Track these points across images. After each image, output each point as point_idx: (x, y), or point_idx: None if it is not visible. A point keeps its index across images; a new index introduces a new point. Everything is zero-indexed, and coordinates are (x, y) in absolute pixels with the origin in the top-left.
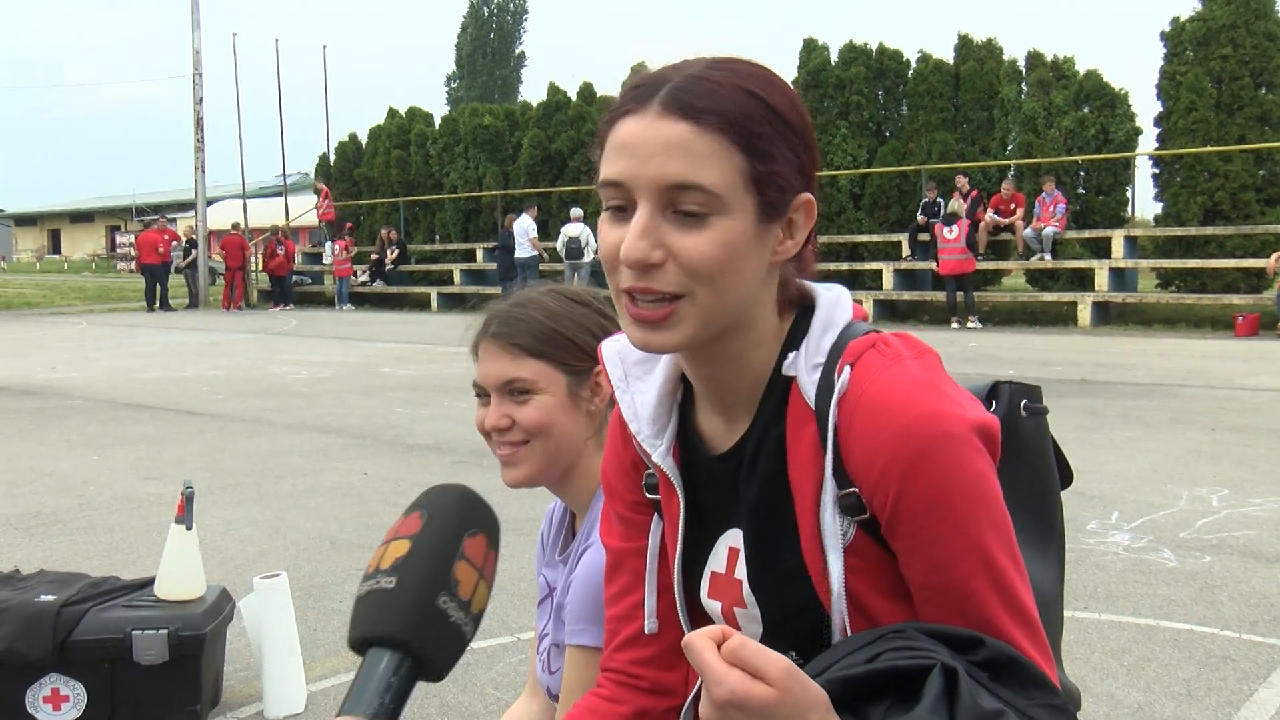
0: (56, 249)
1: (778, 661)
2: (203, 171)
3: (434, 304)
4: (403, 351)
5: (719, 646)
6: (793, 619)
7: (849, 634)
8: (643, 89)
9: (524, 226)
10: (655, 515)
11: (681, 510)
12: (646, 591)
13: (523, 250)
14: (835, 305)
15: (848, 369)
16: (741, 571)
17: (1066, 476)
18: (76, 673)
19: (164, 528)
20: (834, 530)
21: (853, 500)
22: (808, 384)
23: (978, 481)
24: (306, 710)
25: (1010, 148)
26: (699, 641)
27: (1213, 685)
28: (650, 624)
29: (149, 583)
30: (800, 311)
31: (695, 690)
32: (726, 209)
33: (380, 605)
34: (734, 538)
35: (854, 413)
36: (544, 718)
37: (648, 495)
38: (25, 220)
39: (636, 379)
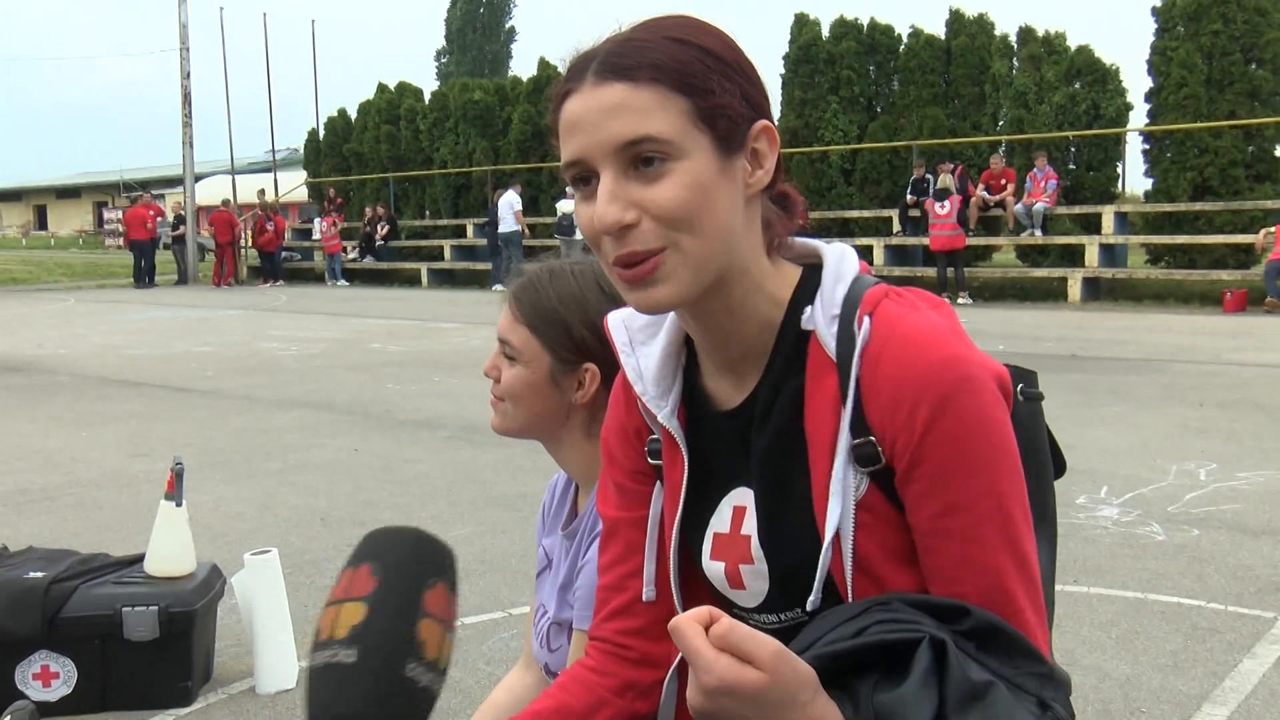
0: (43, 225)
1: (766, 644)
2: (191, 147)
3: (424, 280)
4: (393, 327)
5: (706, 630)
6: (799, 573)
7: (849, 588)
8: (576, 67)
9: (508, 201)
10: (656, 483)
11: (685, 471)
12: (646, 559)
13: (506, 225)
14: (842, 258)
15: (867, 318)
16: (749, 528)
17: (1060, 466)
18: (66, 650)
19: (153, 505)
20: (847, 480)
21: (869, 449)
22: (827, 335)
23: (998, 427)
24: (298, 686)
25: (1001, 123)
26: (686, 627)
27: (1199, 657)
28: (649, 591)
29: (139, 559)
30: (807, 267)
31: (679, 660)
32: (683, 152)
33: (342, 681)
34: (739, 496)
35: (879, 358)
36: (538, 690)
37: (650, 462)
38: (10, 195)
39: (641, 343)
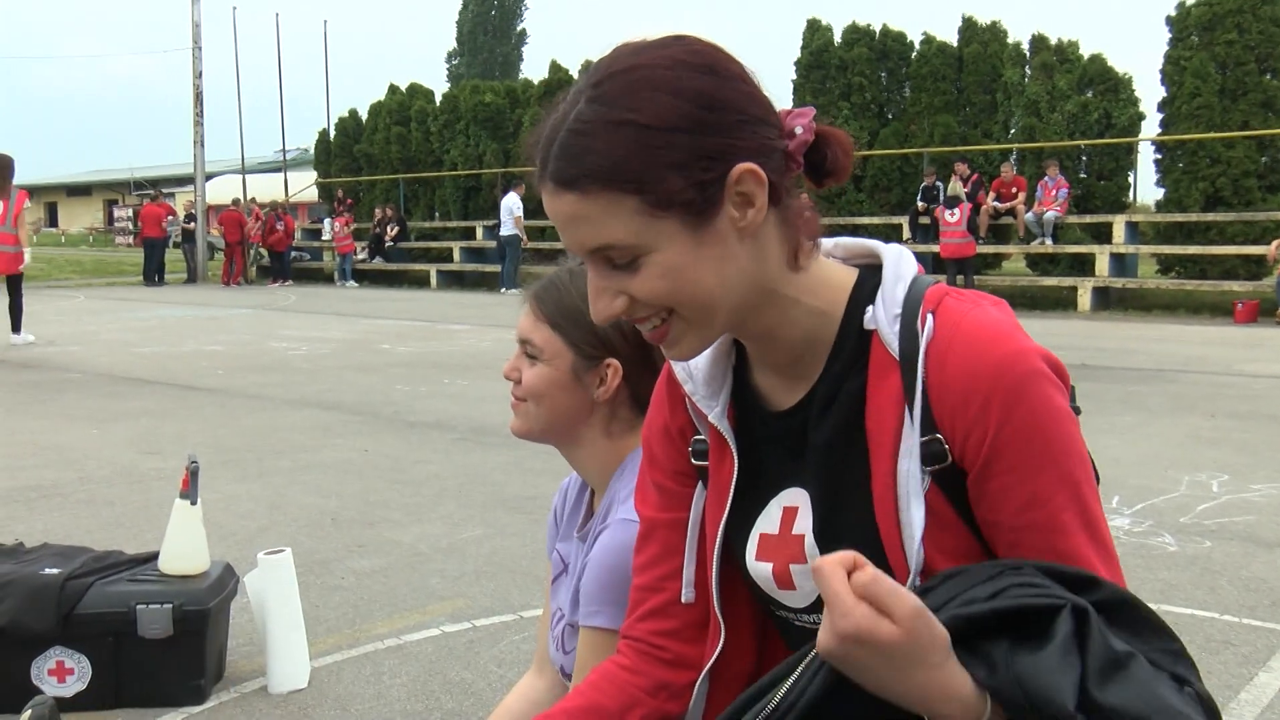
0: (54, 222)
1: (907, 600)
2: (202, 146)
3: (433, 281)
4: (402, 329)
5: (849, 575)
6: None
7: (913, 588)
8: (535, 158)
9: (509, 205)
10: (699, 484)
11: (735, 471)
12: (686, 561)
13: (506, 228)
14: (900, 258)
15: (931, 316)
16: (802, 527)
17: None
18: (81, 646)
19: (165, 502)
20: (916, 478)
21: (936, 448)
22: (889, 334)
23: (1066, 417)
24: (310, 686)
25: (1013, 131)
26: (830, 570)
27: (1213, 669)
28: (688, 593)
29: (153, 557)
30: (865, 268)
31: (712, 661)
32: (648, 246)
33: None
34: (790, 497)
35: (945, 355)
36: (552, 694)
37: (695, 462)
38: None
39: None
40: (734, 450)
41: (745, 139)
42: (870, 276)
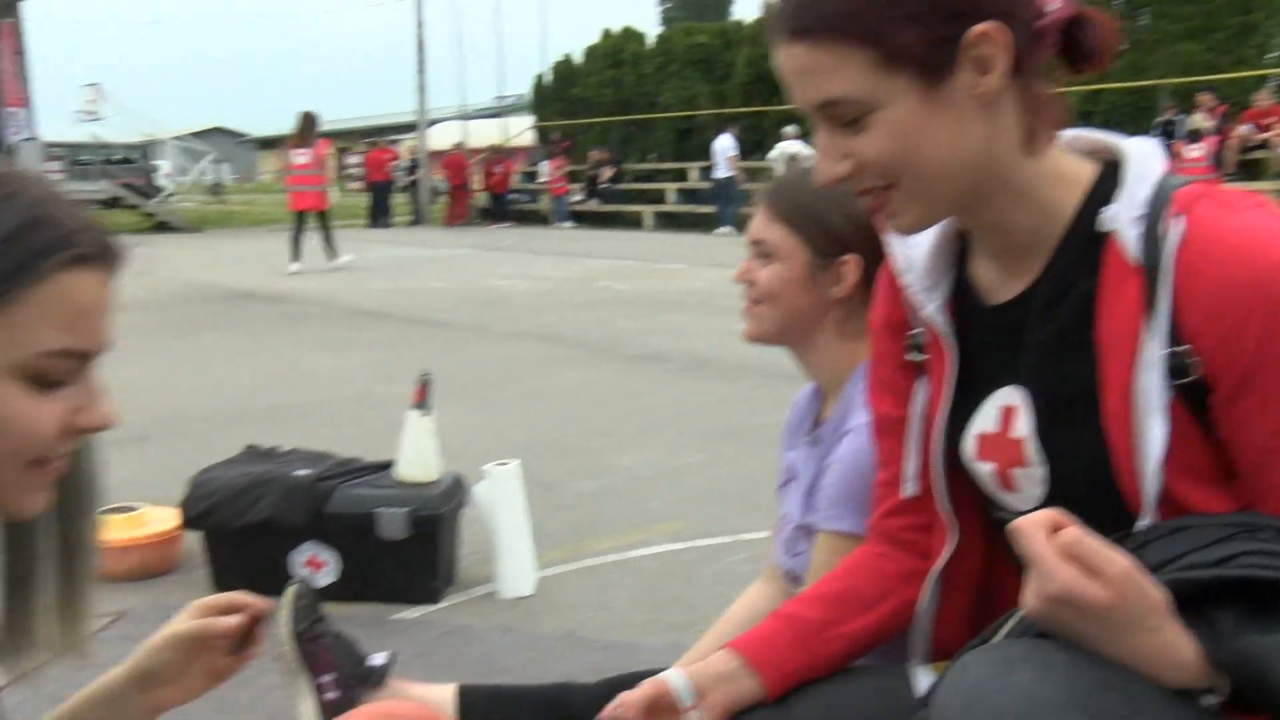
0: None
1: (1115, 560)
2: (424, 93)
3: (647, 222)
4: (620, 268)
5: (1052, 533)
6: (1083, 485)
7: (1151, 509)
8: (770, 17)
9: (723, 146)
10: (919, 377)
11: (952, 367)
12: (906, 455)
13: (720, 170)
14: (1147, 157)
15: (1181, 220)
16: (1021, 430)
17: None
18: (331, 541)
19: (396, 424)
20: (1159, 392)
21: (1180, 361)
22: (1130, 237)
23: None
24: (536, 594)
25: (1272, 55)
26: (1030, 529)
27: None
28: (910, 487)
29: (389, 465)
30: (1107, 164)
31: (943, 564)
32: (877, 103)
33: None
34: (1007, 395)
35: (1198, 263)
36: (777, 601)
37: (910, 357)
38: (267, 144)
39: None
40: (951, 345)
41: (989, 5)
42: (1110, 174)
